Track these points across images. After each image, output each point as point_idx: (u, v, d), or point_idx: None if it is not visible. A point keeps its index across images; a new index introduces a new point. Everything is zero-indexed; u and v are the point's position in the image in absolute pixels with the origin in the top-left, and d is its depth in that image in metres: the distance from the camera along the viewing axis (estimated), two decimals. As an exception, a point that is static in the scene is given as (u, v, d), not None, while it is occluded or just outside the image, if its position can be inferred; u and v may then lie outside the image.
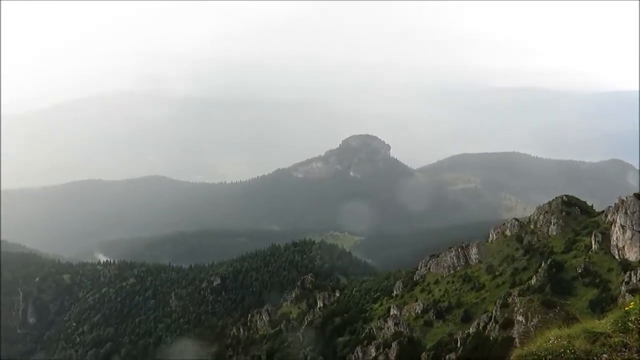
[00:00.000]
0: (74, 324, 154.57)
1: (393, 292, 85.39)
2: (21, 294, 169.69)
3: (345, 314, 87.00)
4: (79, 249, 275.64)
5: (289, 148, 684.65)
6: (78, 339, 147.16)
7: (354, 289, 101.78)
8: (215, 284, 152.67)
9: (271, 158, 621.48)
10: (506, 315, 45.69)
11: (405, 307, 73.91)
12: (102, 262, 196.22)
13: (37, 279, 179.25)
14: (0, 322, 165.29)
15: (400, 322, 67.08)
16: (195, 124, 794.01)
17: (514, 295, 48.50)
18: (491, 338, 46.16)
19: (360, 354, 66.01)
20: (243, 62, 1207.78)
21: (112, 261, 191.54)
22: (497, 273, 70.85)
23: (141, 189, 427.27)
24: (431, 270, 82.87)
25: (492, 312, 50.53)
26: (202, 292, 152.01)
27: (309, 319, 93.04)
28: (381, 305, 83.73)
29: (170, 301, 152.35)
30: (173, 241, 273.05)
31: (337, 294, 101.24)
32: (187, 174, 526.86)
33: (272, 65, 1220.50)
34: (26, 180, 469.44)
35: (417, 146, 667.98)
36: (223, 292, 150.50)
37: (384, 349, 61.85)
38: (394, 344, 60.31)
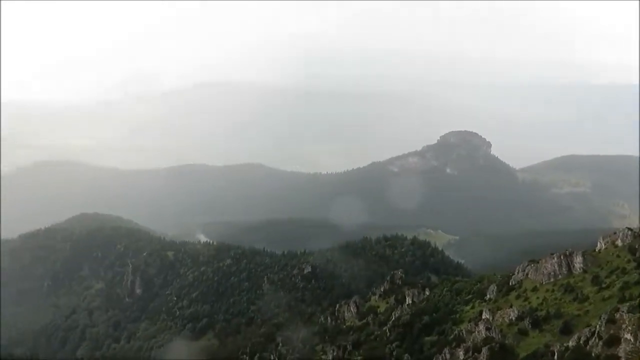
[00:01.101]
0: (175, 298, 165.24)
1: (486, 295, 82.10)
2: (131, 267, 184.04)
3: (434, 314, 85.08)
4: (182, 229, 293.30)
5: (385, 141, 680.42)
6: (178, 313, 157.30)
7: (445, 289, 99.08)
8: (306, 271, 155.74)
9: (367, 150, 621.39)
10: (612, 331, 42.43)
11: (499, 312, 70.78)
12: (202, 242, 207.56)
13: (145, 253, 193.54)
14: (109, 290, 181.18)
15: (492, 328, 64.43)
16: (296, 113, 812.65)
17: (622, 311, 44.72)
18: (593, 354, 43.08)
19: (448, 356, 64.29)
20: (343, 53, 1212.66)
21: (211, 242, 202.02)
22: (603, 285, 65.62)
23: (241, 175, 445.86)
24: (529, 276, 78.59)
25: (595, 327, 47.03)
26: (293, 279, 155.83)
27: (396, 315, 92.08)
28: (473, 308, 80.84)
29: (263, 285, 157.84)
30: (267, 227, 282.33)
31: (427, 292, 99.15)
32: (285, 162, 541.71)
33: (372, 57, 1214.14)
34: (139, 163, 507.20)
35: (520, 145, 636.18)
36: (313, 281, 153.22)
37: (473, 353, 59.77)
38: (484, 349, 58.07)
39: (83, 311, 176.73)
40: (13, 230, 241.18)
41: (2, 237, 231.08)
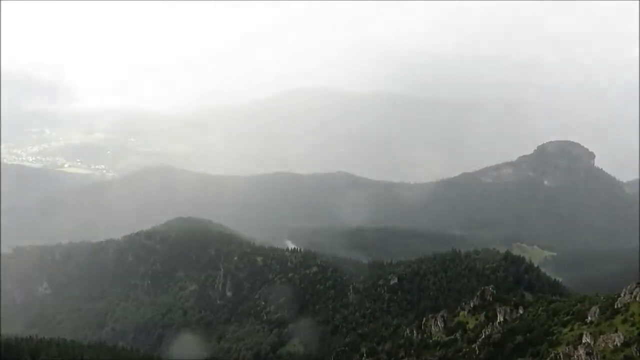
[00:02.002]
0: (262, 303, 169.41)
1: (587, 317, 76.28)
2: (222, 270, 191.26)
3: (528, 334, 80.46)
4: (270, 234, 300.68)
5: (477, 150, 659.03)
6: (265, 317, 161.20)
7: (540, 308, 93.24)
8: (392, 282, 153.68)
9: (459, 160, 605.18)
10: None
11: (601, 336, 65.44)
12: (289, 248, 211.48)
13: (235, 257, 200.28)
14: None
15: (594, 353, 59.67)
16: (386, 121, 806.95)
17: None
18: None
19: (543, 380, 60.41)
20: (436, 60, 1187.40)
21: (298, 249, 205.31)
22: None
23: (329, 183, 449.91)
24: (638, 299, 72.10)
25: None
26: (378, 289, 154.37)
27: (487, 332, 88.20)
28: (572, 330, 75.41)
29: (348, 294, 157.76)
30: (354, 236, 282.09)
31: (521, 311, 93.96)
32: (373, 171, 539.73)
33: (466, 63, 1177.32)
34: (231, 169, 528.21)
35: (628, 156, 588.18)
36: (399, 292, 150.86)
37: (571, 379, 55.69)
38: (584, 376, 53.94)
39: (178, 310, 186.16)
40: (119, 231, 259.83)
41: (109, 238, 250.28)
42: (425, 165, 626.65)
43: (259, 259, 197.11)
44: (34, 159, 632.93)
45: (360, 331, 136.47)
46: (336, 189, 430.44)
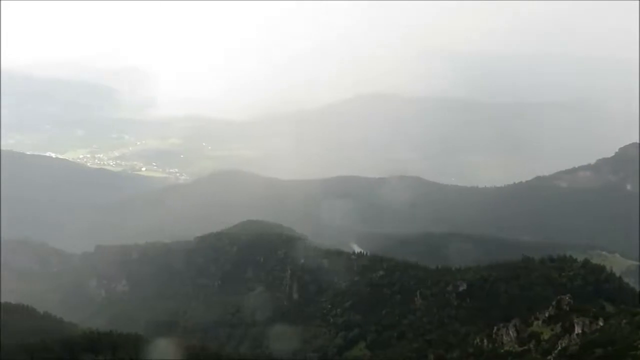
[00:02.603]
0: (329, 306, 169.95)
1: (676, 332, 70.79)
2: (289, 272, 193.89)
3: (609, 347, 75.62)
4: (336, 238, 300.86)
5: (552, 154, 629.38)
6: (331, 320, 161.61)
7: (623, 321, 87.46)
8: (460, 289, 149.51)
9: (531, 164, 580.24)
10: None
11: (693, 353, 60.41)
12: (355, 252, 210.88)
13: (302, 260, 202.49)
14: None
15: (685, 371, 55.09)
16: (454, 124, 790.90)
17: None
18: None
19: (626, 398, 56.50)
20: (505, 60, 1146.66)
21: (364, 253, 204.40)
22: None
23: (395, 187, 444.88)
24: None
25: None
26: (446, 296, 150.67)
27: (563, 344, 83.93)
28: (659, 345, 70.20)
29: (415, 299, 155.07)
30: (422, 240, 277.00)
31: (601, 323, 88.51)
32: (441, 175, 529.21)
33: (538, 63, 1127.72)
34: (299, 173, 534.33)
35: None
36: (468, 299, 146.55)
37: (659, 398, 51.68)
38: (673, 396, 49.89)
39: (246, 310, 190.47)
40: (190, 232, 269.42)
41: (181, 238, 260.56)
42: (496, 169, 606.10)
43: (325, 261, 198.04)
44: (114, 163, 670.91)
45: (427, 337, 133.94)
46: (403, 193, 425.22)
